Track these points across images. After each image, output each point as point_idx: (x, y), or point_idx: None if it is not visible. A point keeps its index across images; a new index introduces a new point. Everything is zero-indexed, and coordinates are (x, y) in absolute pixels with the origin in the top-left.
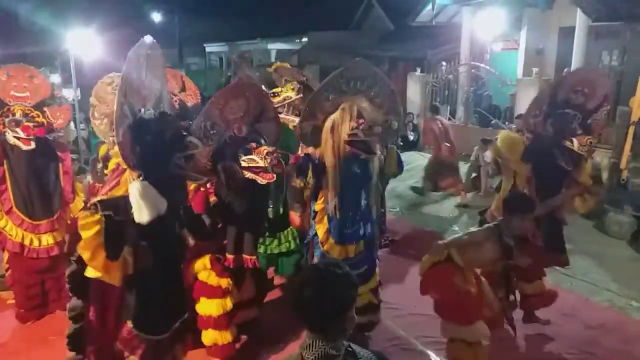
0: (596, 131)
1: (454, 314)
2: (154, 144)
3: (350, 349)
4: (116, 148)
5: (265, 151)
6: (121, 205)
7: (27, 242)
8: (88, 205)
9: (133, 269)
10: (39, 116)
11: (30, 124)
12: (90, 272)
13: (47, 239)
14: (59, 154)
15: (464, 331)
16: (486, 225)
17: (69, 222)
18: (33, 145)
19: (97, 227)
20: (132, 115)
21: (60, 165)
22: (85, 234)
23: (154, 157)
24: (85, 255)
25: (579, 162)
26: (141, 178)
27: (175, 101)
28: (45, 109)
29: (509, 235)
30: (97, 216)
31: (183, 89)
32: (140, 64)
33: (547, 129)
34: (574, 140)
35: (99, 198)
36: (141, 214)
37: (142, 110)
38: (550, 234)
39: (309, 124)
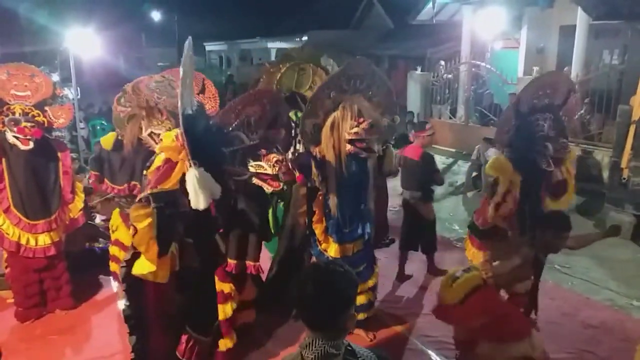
0: (572, 121)
1: (511, 332)
2: (202, 139)
3: (350, 347)
4: (165, 142)
5: (275, 159)
6: (171, 198)
7: (23, 242)
8: (140, 197)
9: (179, 266)
10: (39, 115)
11: (28, 124)
12: (139, 269)
13: (44, 239)
14: (59, 153)
15: (523, 346)
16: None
17: (67, 222)
18: (31, 145)
19: (149, 220)
20: (182, 114)
21: (60, 164)
22: (139, 226)
23: (203, 153)
24: (142, 248)
25: (559, 163)
26: (195, 164)
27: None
28: (46, 108)
29: (542, 252)
30: (149, 208)
31: (202, 91)
32: (189, 66)
33: (520, 138)
34: (548, 145)
35: (150, 191)
36: (198, 199)
37: (186, 109)
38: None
39: (310, 122)
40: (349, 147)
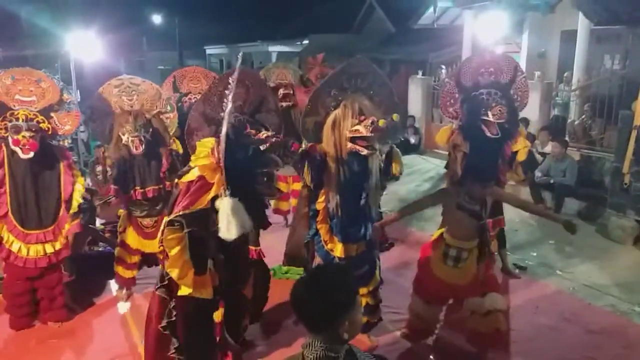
0: (524, 99)
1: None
2: (237, 159)
3: (351, 351)
4: (200, 156)
5: (265, 135)
6: (203, 218)
7: (15, 250)
8: (171, 219)
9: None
10: (43, 122)
11: (27, 134)
12: (184, 291)
13: (37, 249)
14: (60, 157)
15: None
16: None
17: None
18: (31, 154)
19: (182, 244)
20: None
21: (62, 172)
22: (171, 252)
23: (237, 173)
24: (174, 274)
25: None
26: (228, 193)
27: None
28: (52, 114)
29: (471, 202)
30: (181, 233)
31: None
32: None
33: (465, 112)
34: (489, 112)
35: (181, 213)
36: (229, 230)
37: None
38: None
39: (312, 120)
40: (350, 145)
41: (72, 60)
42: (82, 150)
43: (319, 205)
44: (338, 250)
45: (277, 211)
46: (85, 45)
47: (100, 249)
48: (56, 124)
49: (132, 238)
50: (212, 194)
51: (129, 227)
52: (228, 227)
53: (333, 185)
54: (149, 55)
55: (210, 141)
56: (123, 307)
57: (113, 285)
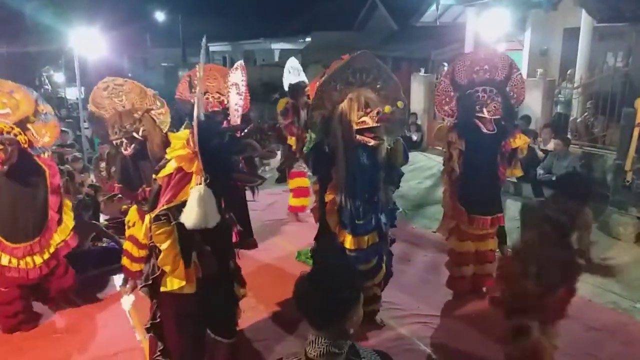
0: (521, 96)
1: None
2: (213, 146)
3: (353, 347)
4: (175, 147)
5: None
6: None
7: (5, 263)
8: (157, 214)
9: (201, 274)
10: (20, 134)
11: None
12: (169, 285)
13: (26, 262)
14: (47, 172)
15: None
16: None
17: (57, 246)
18: (5, 168)
19: (171, 238)
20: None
21: (48, 184)
22: (162, 246)
23: (214, 160)
24: (167, 268)
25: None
26: (207, 181)
27: (223, 101)
28: (29, 126)
29: (560, 213)
30: (170, 226)
31: None
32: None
33: (460, 109)
34: (484, 109)
35: (166, 206)
36: (188, 217)
37: (200, 116)
38: (490, 197)
39: (318, 114)
40: (358, 137)
41: (76, 57)
42: (86, 147)
43: (328, 197)
44: (348, 242)
45: (292, 209)
46: (89, 42)
47: (104, 245)
48: (33, 136)
49: (140, 232)
50: (193, 183)
51: (138, 222)
52: (188, 214)
53: (342, 178)
54: (152, 52)
55: (184, 133)
56: (126, 301)
57: (117, 280)
